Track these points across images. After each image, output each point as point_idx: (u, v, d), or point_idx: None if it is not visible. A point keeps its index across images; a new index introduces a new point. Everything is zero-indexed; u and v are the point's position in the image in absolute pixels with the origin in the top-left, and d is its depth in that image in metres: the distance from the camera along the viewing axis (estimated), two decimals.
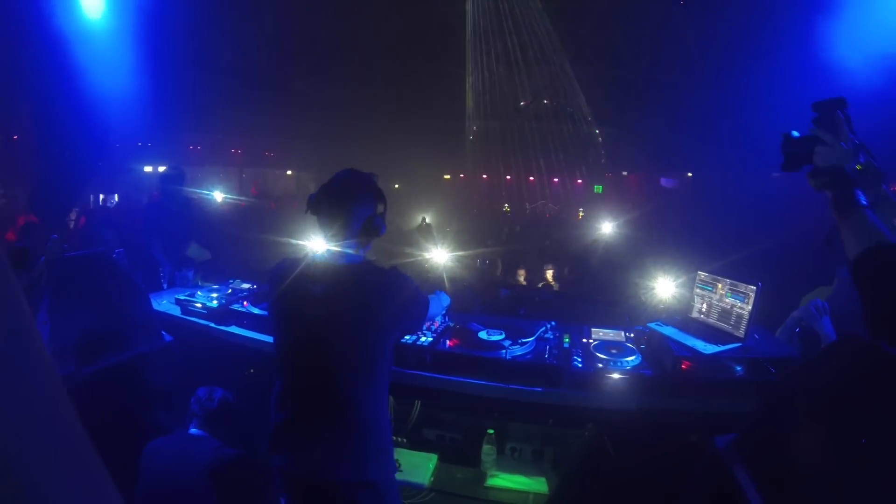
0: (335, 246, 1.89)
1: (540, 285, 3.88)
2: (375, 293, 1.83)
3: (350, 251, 1.90)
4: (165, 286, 3.98)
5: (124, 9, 7.10)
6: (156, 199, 8.02)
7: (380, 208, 1.96)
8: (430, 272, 3.55)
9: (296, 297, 1.89)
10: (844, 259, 1.39)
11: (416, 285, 1.97)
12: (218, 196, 9.89)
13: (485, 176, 20.61)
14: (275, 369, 1.95)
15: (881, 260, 1.23)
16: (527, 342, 2.64)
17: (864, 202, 1.36)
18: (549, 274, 4.52)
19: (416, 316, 2.01)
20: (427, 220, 6.37)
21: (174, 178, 4.80)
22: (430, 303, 2.10)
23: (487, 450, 2.96)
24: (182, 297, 3.36)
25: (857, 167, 1.48)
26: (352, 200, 1.88)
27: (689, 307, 2.83)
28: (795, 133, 1.52)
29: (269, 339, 2.87)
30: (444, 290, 2.77)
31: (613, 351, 2.59)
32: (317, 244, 1.99)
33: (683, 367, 2.37)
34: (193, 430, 2.43)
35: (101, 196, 12.49)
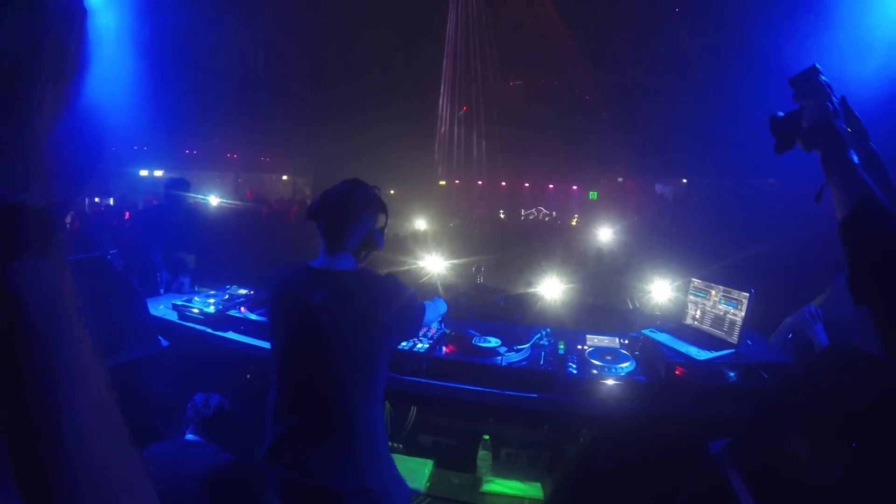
0: (333, 254, 1.90)
1: (533, 290, 3.89)
2: (373, 300, 1.84)
3: (348, 260, 1.91)
4: (162, 291, 3.98)
5: (122, 11, 7.11)
6: (153, 204, 8.02)
7: (380, 222, 1.96)
8: (425, 279, 3.57)
9: (293, 305, 1.89)
10: (840, 265, 1.37)
11: (412, 292, 1.98)
12: (213, 200, 9.89)
13: (479, 182, 20.66)
14: (271, 376, 1.96)
15: (867, 217, 1.22)
16: (522, 349, 2.66)
17: (856, 160, 1.32)
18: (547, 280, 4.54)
19: (412, 322, 2.02)
20: (419, 230, 6.40)
21: (179, 185, 4.79)
22: (426, 309, 2.11)
23: (483, 455, 2.97)
24: (179, 303, 3.36)
25: (848, 129, 1.45)
26: (352, 214, 1.88)
27: (683, 314, 2.86)
28: (780, 113, 1.51)
29: (266, 344, 2.89)
30: (440, 297, 2.78)
31: (608, 357, 2.61)
32: (315, 252, 1.99)
33: (677, 373, 2.40)
34: (190, 436, 2.43)
35: (97, 199, 12.47)
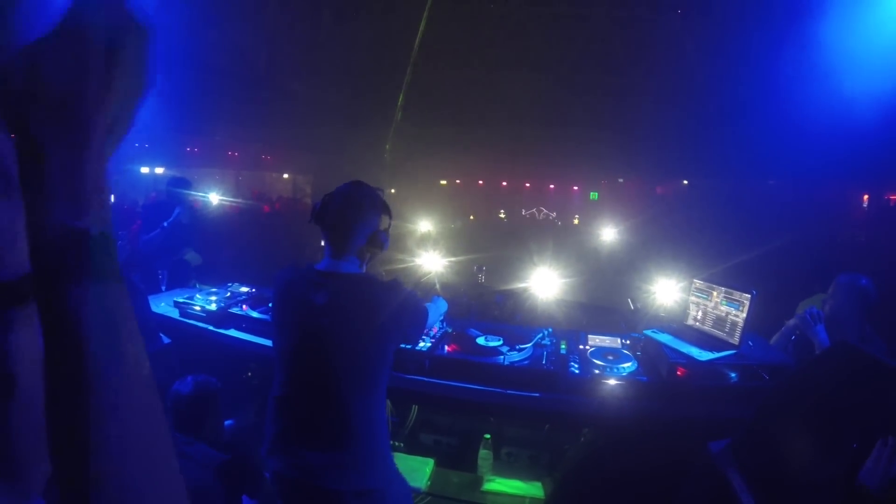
0: (337, 257, 1.90)
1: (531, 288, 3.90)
2: (377, 304, 1.84)
3: (353, 262, 1.91)
4: (164, 288, 3.99)
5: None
6: (153, 200, 8.01)
7: (384, 223, 1.96)
8: (425, 278, 3.57)
9: (297, 306, 1.90)
10: (841, 266, 1.38)
11: (416, 296, 1.99)
12: (214, 198, 9.88)
13: (480, 182, 20.65)
14: (274, 376, 1.96)
15: None
16: (524, 348, 2.66)
17: None
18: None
19: (415, 327, 2.02)
20: (428, 230, 6.37)
21: (182, 182, 4.77)
22: (429, 312, 2.11)
23: (484, 454, 2.98)
24: (181, 300, 3.37)
25: None
26: (356, 215, 1.89)
27: (685, 314, 2.86)
28: None
29: (268, 342, 2.90)
30: (440, 296, 2.78)
31: (610, 357, 2.62)
32: (316, 250, 2.00)
33: (679, 373, 2.40)
34: (179, 436, 2.31)
35: None
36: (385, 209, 1.97)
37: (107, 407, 0.44)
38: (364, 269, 1.95)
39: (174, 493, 0.48)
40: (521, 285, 4.18)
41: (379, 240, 1.93)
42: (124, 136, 0.50)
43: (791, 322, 2.90)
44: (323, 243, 1.96)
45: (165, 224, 4.33)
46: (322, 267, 1.91)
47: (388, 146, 19.36)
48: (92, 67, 0.46)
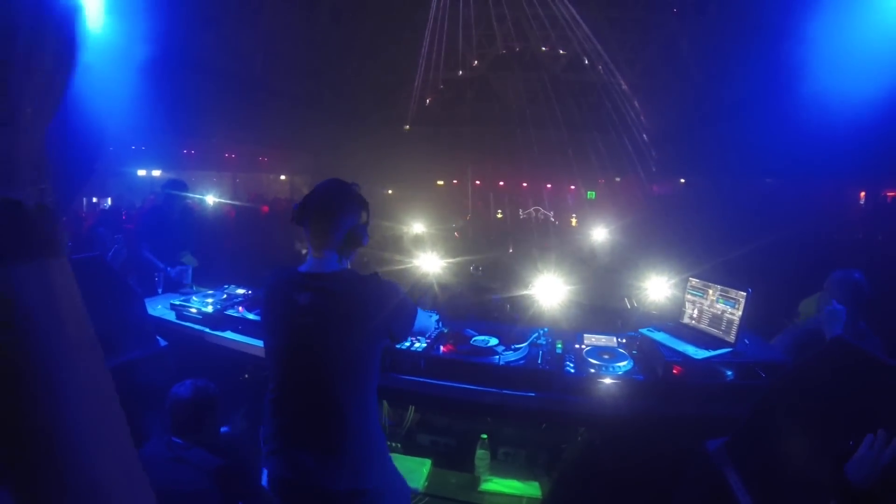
0: (319, 255, 1.91)
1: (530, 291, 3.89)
2: (358, 301, 1.84)
3: (334, 260, 1.91)
4: (160, 291, 3.98)
5: (121, 12, 7.10)
6: (151, 203, 8.01)
7: (363, 218, 1.97)
8: (422, 279, 3.57)
9: (283, 307, 1.90)
10: (836, 263, 1.37)
11: (401, 291, 1.98)
12: (210, 200, 9.88)
13: (477, 182, 20.67)
14: (267, 378, 1.97)
15: None
16: (520, 348, 2.66)
17: None
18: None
19: (401, 322, 2.00)
20: (416, 231, 6.32)
21: (177, 185, 4.77)
22: (418, 311, 2.09)
23: (481, 454, 2.97)
24: (177, 302, 3.36)
25: None
26: (334, 212, 1.90)
27: (681, 313, 2.86)
28: None
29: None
30: (435, 296, 2.77)
31: (606, 356, 2.61)
32: (305, 253, 1.99)
33: (675, 371, 2.40)
34: (176, 439, 2.30)
35: (94, 199, 12.47)
36: (363, 204, 1.97)
37: (51, 386, 0.43)
38: (346, 265, 1.95)
39: (129, 472, 0.47)
40: (517, 285, 4.18)
41: (357, 234, 1.93)
42: (55, 110, 0.47)
43: (811, 327, 2.86)
44: (307, 242, 1.96)
45: (172, 273, 4.22)
46: (305, 269, 1.92)
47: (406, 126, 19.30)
48: (20, 35, 0.43)
